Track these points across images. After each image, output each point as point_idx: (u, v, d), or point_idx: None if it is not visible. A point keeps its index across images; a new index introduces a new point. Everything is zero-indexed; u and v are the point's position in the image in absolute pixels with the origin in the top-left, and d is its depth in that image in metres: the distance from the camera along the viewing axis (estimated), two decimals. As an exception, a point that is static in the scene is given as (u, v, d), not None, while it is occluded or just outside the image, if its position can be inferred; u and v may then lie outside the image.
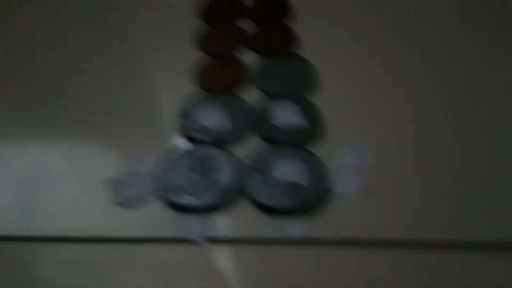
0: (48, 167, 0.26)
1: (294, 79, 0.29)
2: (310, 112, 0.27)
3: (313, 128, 0.26)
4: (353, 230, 0.21)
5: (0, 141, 0.28)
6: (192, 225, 0.22)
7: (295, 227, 0.21)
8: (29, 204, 0.24)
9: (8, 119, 0.29)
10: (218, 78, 0.29)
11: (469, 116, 0.26)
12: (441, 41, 0.31)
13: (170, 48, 0.32)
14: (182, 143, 0.26)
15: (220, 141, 0.26)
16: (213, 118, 0.27)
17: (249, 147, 0.25)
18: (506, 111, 0.26)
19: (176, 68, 0.31)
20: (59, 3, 0.36)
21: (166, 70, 0.31)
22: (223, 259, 0.21)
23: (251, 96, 0.28)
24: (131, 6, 0.36)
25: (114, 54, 0.33)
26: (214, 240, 0.22)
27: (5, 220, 0.23)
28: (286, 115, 0.26)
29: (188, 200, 0.23)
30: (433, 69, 0.29)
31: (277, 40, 0.32)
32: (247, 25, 0.33)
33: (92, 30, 0.34)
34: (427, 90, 0.28)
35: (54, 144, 0.27)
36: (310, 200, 0.22)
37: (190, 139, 0.26)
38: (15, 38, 0.34)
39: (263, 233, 0.22)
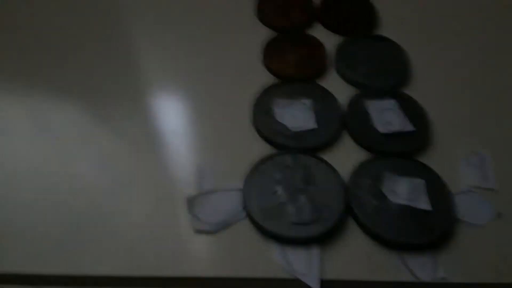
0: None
1: (387, 69, 0.24)
2: (416, 113, 0.22)
3: (422, 134, 0.21)
4: (489, 271, 0.18)
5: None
6: (298, 263, 0.17)
7: (425, 267, 0.18)
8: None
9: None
10: (295, 65, 0.24)
11: None
12: None
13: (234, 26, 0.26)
14: (263, 149, 0.21)
15: (311, 148, 0.21)
16: (297, 117, 0.21)
17: (345, 156, 0.21)
18: None
19: (245, 48, 0.25)
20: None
21: (231, 50, 0.25)
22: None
23: (337, 87, 0.23)
24: None
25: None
26: (325, 281, 0.17)
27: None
28: (388, 116, 0.22)
29: (286, 228, 0.18)
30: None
31: (355, 14, 0.27)
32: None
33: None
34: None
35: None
36: (439, 233, 0.18)
37: (274, 143, 0.21)
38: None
39: (380, 275, 0.18)
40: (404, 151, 0.21)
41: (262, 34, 0.26)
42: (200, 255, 0.18)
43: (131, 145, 0.21)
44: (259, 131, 0.21)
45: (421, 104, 0.22)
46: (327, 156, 0.21)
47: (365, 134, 0.21)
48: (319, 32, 0.26)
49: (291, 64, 0.24)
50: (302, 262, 0.17)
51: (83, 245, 0.18)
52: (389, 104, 0.22)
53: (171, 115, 0.23)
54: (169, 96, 0.24)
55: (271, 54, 0.24)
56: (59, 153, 0.21)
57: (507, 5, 0.28)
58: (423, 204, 0.19)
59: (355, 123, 0.22)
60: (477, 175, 0.20)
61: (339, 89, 0.23)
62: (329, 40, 0.25)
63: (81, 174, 0.20)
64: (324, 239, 0.18)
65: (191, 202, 0.19)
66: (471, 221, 0.19)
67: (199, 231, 0.18)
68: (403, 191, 0.19)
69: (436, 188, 0.19)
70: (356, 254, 0.18)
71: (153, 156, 0.21)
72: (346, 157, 0.21)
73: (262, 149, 0.21)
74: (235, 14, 0.27)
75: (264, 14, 0.26)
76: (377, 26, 0.26)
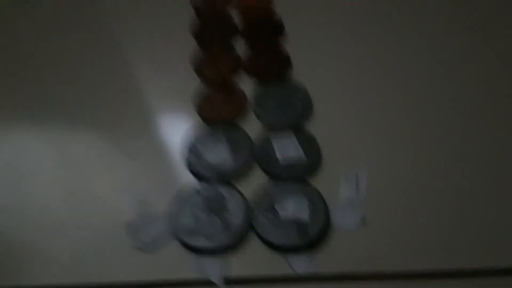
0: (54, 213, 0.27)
1: (292, 108, 0.30)
2: (309, 144, 0.28)
3: (312, 161, 0.27)
4: (353, 264, 0.24)
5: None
6: (209, 266, 0.24)
7: (301, 264, 0.24)
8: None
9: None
10: (218, 109, 0.30)
11: (465, 145, 0.28)
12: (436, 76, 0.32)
13: (169, 73, 0.33)
14: (190, 179, 0.27)
15: (225, 177, 0.27)
16: (217, 153, 0.28)
17: (253, 182, 0.27)
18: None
19: (177, 96, 0.31)
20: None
21: (168, 98, 0.32)
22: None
23: (251, 126, 0.30)
24: (129, 29, 0.36)
25: (112, 82, 0.33)
26: (229, 280, 0.24)
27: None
28: (286, 148, 0.28)
29: (202, 242, 0.24)
30: (429, 99, 0.31)
31: (273, 62, 0.33)
32: (240, 46, 0.34)
33: (89, 57, 0.35)
34: (423, 120, 0.29)
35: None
36: (313, 237, 0.24)
37: (197, 175, 0.27)
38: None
39: (273, 271, 0.24)
40: (298, 175, 0.27)
41: (196, 83, 0.32)
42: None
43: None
44: (187, 166, 0.28)
45: (315, 136, 0.29)
46: (238, 183, 0.27)
47: (268, 164, 0.27)
48: (242, 79, 0.33)
49: (216, 110, 0.30)
50: (212, 266, 0.24)
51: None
52: (289, 138, 0.28)
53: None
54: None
55: (201, 102, 0.31)
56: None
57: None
58: (304, 216, 0.25)
59: (261, 155, 0.28)
60: (351, 189, 0.26)
61: (253, 127, 0.30)
62: (249, 86, 0.32)
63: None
64: (231, 248, 0.24)
65: (131, 228, 0.25)
66: (343, 226, 0.25)
67: (137, 249, 0.25)
68: (290, 207, 0.25)
69: (316, 203, 0.25)
70: (254, 257, 0.24)
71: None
72: (253, 182, 0.27)
73: (187, 180, 0.27)
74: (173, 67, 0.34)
75: (197, 68, 0.33)
76: (289, 72, 0.33)
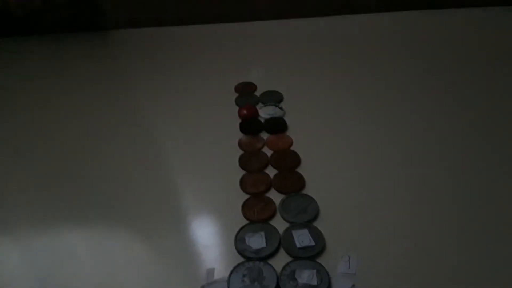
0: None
1: (306, 212, 0.46)
2: (317, 236, 0.43)
3: (320, 247, 0.41)
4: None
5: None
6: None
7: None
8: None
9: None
10: (258, 213, 0.46)
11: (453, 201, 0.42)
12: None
13: (222, 191, 0.50)
14: (239, 259, 0.41)
15: (263, 258, 0.41)
16: (258, 242, 0.43)
17: (281, 260, 0.41)
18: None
19: (228, 205, 0.48)
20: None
21: (221, 205, 0.48)
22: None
23: (279, 224, 0.45)
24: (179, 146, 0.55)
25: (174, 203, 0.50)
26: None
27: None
28: (302, 238, 0.42)
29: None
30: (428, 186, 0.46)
31: (293, 183, 0.50)
32: (272, 173, 0.52)
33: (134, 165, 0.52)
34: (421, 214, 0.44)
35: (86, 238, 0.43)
36: (321, 296, 0.37)
37: (244, 256, 0.42)
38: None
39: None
40: (309, 256, 0.41)
41: (242, 196, 0.49)
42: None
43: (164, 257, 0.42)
44: (237, 250, 0.42)
45: (321, 230, 0.43)
46: (271, 261, 0.41)
47: (290, 248, 0.42)
48: (273, 193, 0.49)
49: (255, 213, 0.46)
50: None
51: None
52: (304, 231, 0.43)
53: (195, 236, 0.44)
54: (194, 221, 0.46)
55: (245, 208, 0.47)
56: (111, 270, 0.40)
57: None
58: (314, 282, 0.38)
59: (285, 243, 0.42)
60: (346, 266, 0.39)
61: (280, 224, 0.45)
62: (277, 198, 0.48)
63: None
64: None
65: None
66: (340, 290, 0.38)
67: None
68: (304, 276, 0.38)
69: (322, 274, 0.39)
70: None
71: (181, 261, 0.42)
72: (281, 260, 0.41)
73: (238, 258, 0.41)
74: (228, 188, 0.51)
75: (243, 186, 0.50)
76: (304, 187, 0.49)
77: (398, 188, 0.48)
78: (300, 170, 0.52)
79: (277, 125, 0.60)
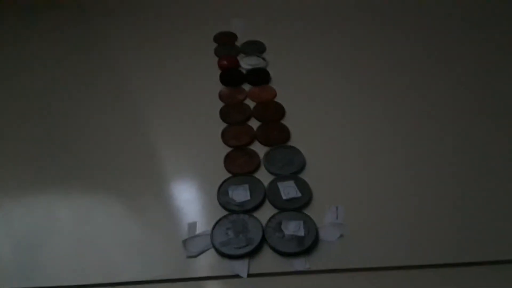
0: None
1: (292, 164, 0.44)
2: (303, 187, 0.41)
3: (306, 198, 0.40)
4: (336, 263, 0.35)
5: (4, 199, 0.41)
6: (237, 266, 0.35)
7: (299, 264, 0.35)
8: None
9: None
10: (241, 166, 0.44)
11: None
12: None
13: (202, 144, 0.47)
14: (223, 212, 0.40)
15: (247, 210, 0.39)
16: (241, 194, 0.41)
17: (266, 212, 0.39)
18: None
19: (210, 157, 0.45)
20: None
21: (203, 159, 0.45)
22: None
23: (264, 176, 0.43)
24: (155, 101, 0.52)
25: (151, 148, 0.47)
26: (250, 275, 0.35)
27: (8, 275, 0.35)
28: (288, 190, 0.41)
29: (232, 251, 0.36)
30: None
31: (278, 135, 0.47)
32: (255, 125, 0.49)
33: (113, 124, 0.49)
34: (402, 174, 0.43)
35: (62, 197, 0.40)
36: (307, 246, 0.36)
37: (228, 209, 0.40)
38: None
39: (280, 269, 0.35)
40: (296, 207, 0.39)
41: (225, 149, 0.46)
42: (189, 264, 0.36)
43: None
44: (220, 203, 0.40)
45: (308, 182, 0.41)
46: (256, 213, 0.39)
47: (275, 200, 0.40)
48: (257, 146, 0.47)
49: (239, 166, 0.44)
50: (240, 266, 0.35)
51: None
52: (290, 183, 0.41)
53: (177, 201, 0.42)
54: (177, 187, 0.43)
55: (228, 161, 0.44)
56: (91, 228, 0.38)
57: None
58: (301, 233, 0.37)
59: (271, 195, 0.41)
60: (333, 216, 0.38)
61: (265, 177, 0.43)
62: (262, 150, 0.46)
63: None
64: (252, 254, 0.36)
65: (184, 242, 0.37)
66: (327, 239, 0.36)
67: (188, 256, 0.36)
68: (291, 227, 0.37)
69: (309, 224, 0.37)
70: (267, 260, 0.35)
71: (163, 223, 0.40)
72: (266, 213, 0.39)
73: (221, 212, 0.40)
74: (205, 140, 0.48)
75: (225, 138, 0.47)
76: (289, 139, 0.47)
77: (385, 138, 0.47)
78: (285, 121, 0.49)
79: (260, 76, 0.56)
